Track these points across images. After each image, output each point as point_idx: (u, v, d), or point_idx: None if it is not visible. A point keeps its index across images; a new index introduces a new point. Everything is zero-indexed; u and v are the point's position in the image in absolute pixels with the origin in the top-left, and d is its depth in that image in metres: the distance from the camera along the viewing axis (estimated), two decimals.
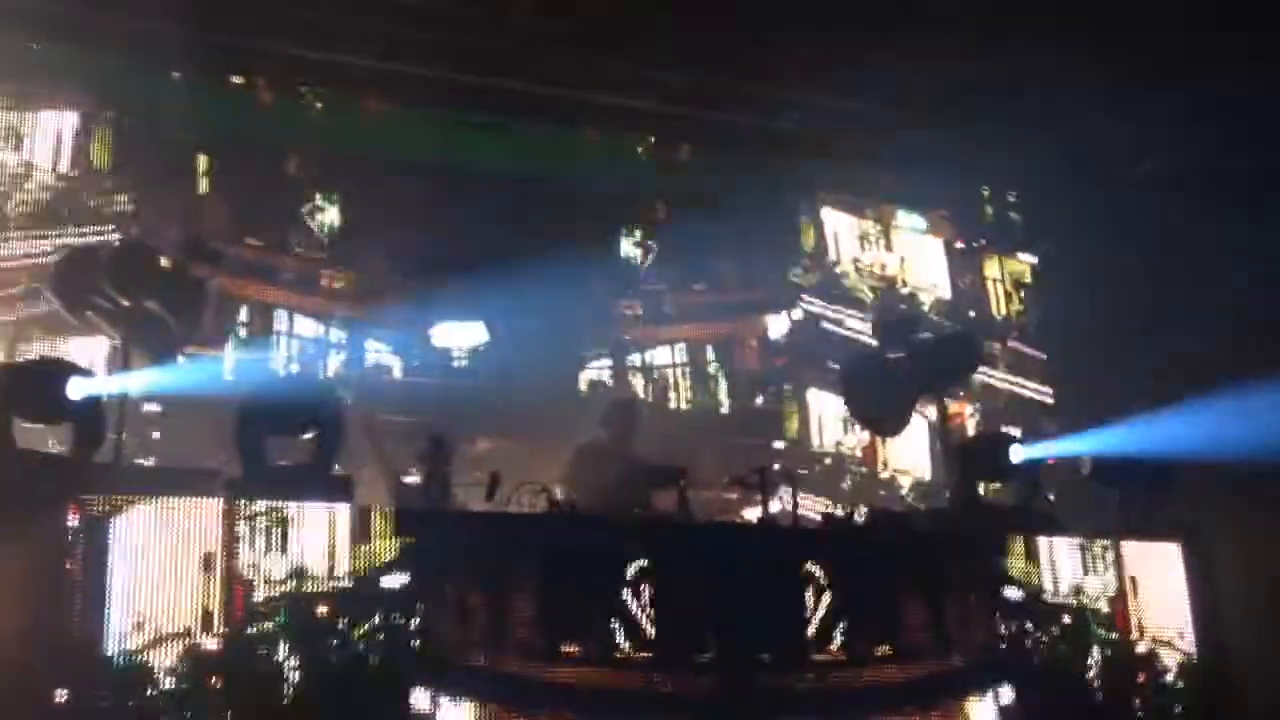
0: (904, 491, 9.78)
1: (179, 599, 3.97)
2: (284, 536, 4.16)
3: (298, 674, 4.04)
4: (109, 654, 3.84)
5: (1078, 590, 5.39)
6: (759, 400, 10.01)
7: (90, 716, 3.80)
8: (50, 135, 8.33)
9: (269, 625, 4.04)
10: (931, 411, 7.48)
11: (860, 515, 5.88)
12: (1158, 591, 5.52)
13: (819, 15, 8.18)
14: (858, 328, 9.89)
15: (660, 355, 10.11)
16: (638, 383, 9.93)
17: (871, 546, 5.40)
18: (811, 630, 4.78)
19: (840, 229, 10.54)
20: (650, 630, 4.53)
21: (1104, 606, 5.41)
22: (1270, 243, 7.43)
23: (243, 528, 4.12)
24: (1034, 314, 10.62)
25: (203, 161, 8.83)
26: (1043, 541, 5.41)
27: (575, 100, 9.19)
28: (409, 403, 8.55)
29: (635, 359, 10.02)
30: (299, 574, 4.14)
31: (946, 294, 10.65)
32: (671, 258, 10.04)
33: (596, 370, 9.82)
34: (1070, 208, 9.57)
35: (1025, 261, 10.82)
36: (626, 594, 4.54)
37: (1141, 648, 5.42)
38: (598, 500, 5.63)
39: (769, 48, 8.68)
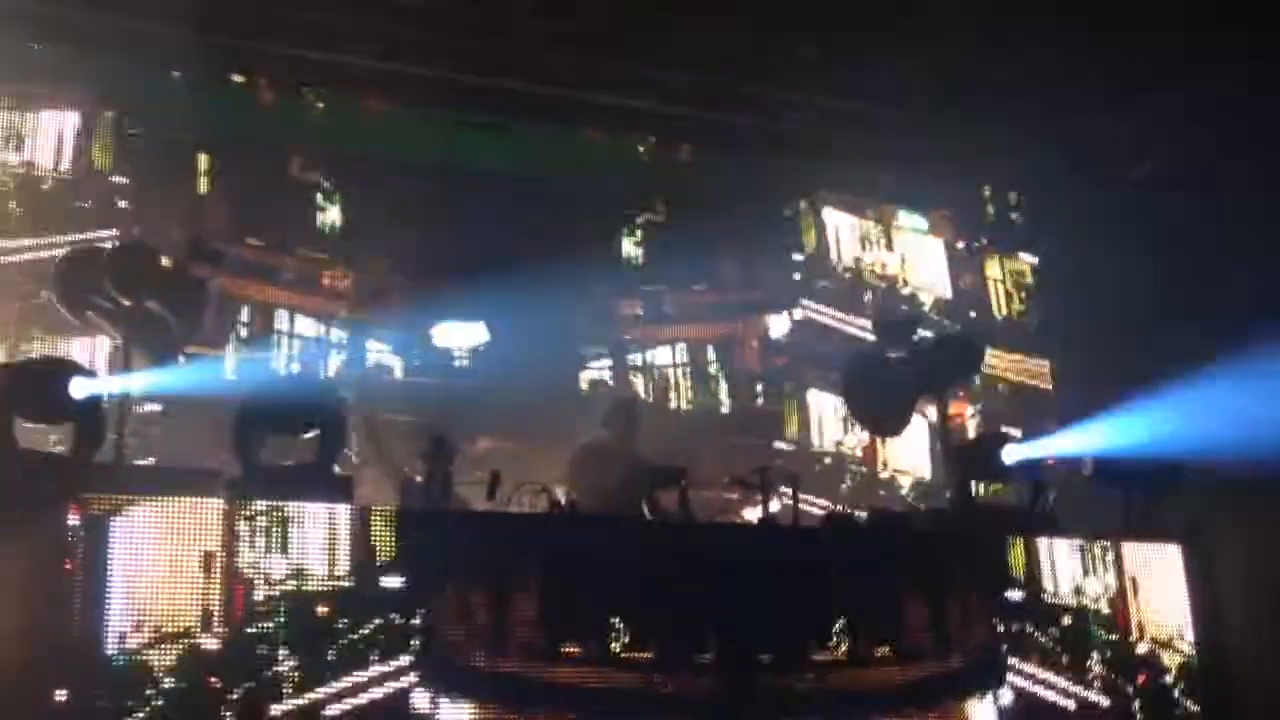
0: (904, 491, 9.79)
1: (179, 599, 3.97)
2: (284, 536, 4.16)
3: (297, 674, 4.04)
4: (109, 654, 3.84)
5: (1078, 591, 5.39)
6: (759, 400, 10.01)
7: (90, 716, 3.80)
8: (51, 135, 8.33)
9: (269, 625, 4.04)
10: (932, 411, 7.48)
11: (860, 515, 5.88)
12: (1158, 592, 5.52)
13: (819, 15, 8.18)
14: (858, 328, 9.89)
15: (660, 355, 10.11)
16: (638, 382, 9.93)
17: (872, 547, 5.41)
18: (812, 631, 4.78)
19: (841, 229, 10.54)
20: (650, 630, 4.53)
21: (1104, 607, 5.41)
22: (1271, 243, 7.43)
23: (243, 527, 4.12)
24: (1035, 314, 10.62)
25: (204, 161, 8.84)
26: (1043, 542, 5.41)
27: (575, 100, 9.20)
28: (410, 403, 8.56)
29: (635, 359, 10.02)
30: (299, 574, 4.14)
31: (947, 294, 10.65)
32: (672, 258, 10.04)
33: (597, 370, 9.82)
34: (1070, 208, 9.58)
35: (1026, 262, 10.83)
36: (627, 594, 4.54)
37: (1142, 649, 5.42)
38: (599, 500, 5.63)
39: (769, 48, 8.68)
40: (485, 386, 8.90)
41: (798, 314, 10.01)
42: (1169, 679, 5.40)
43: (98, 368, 6.20)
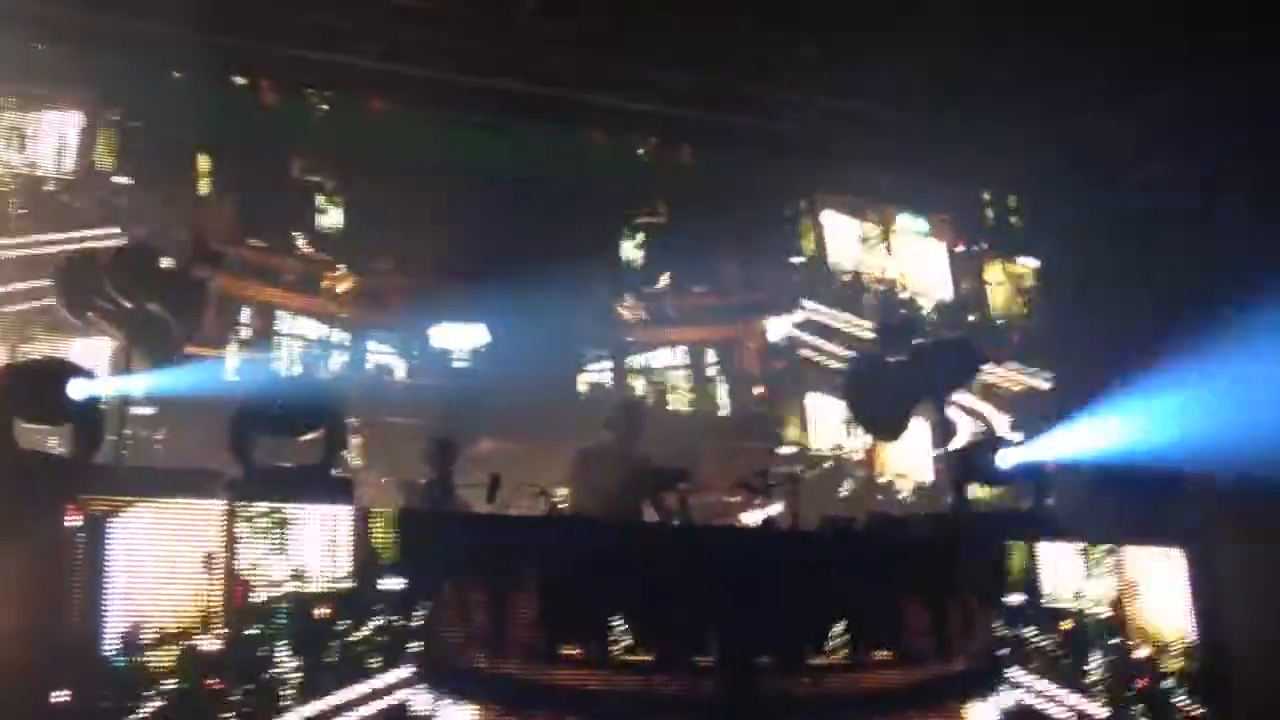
0: (904, 495, 9.78)
1: (179, 600, 3.96)
2: (284, 538, 4.16)
3: (297, 675, 4.04)
4: (109, 655, 3.84)
5: (1078, 595, 5.38)
6: (759, 403, 10.01)
7: (90, 717, 3.80)
8: (54, 136, 8.34)
9: (269, 626, 4.04)
10: (932, 415, 7.47)
11: (860, 519, 5.87)
12: (1158, 596, 5.51)
13: (819, 15, 8.18)
14: (859, 331, 9.89)
15: (661, 357, 10.11)
16: (638, 385, 9.93)
17: (872, 550, 5.40)
18: (812, 634, 4.77)
19: (841, 232, 10.54)
20: (651, 633, 4.52)
21: (1104, 611, 5.40)
22: (1271, 243, 7.42)
23: (243, 529, 4.11)
24: (1035, 316, 10.62)
25: (205, 162, 8.85)
26: (1044, 546, 5.40)
27: (576, 101, 9.20)
28: (411, 404, 8.57)
29: (636, 361, 10.02)
30: (299, 575, 4.14)
31: (948, 297, 10.65)
32: (672, 259, 10.04)
33: (597, 372, 9.83)
34: (1070, 208, 9.57)
35: (1026, 265, 10.82)
36: (627, 596, 4.54)
37: (1142, 652, 5.41)
38: (600, 502, 5.63)
39: (769, 48, 8.68)
40: (485, 388, 8.90)
41: (798, 316, 10.01)
42: (1169, 682, 5.39)
43: (98, 369, 6.20)
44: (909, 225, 10.77)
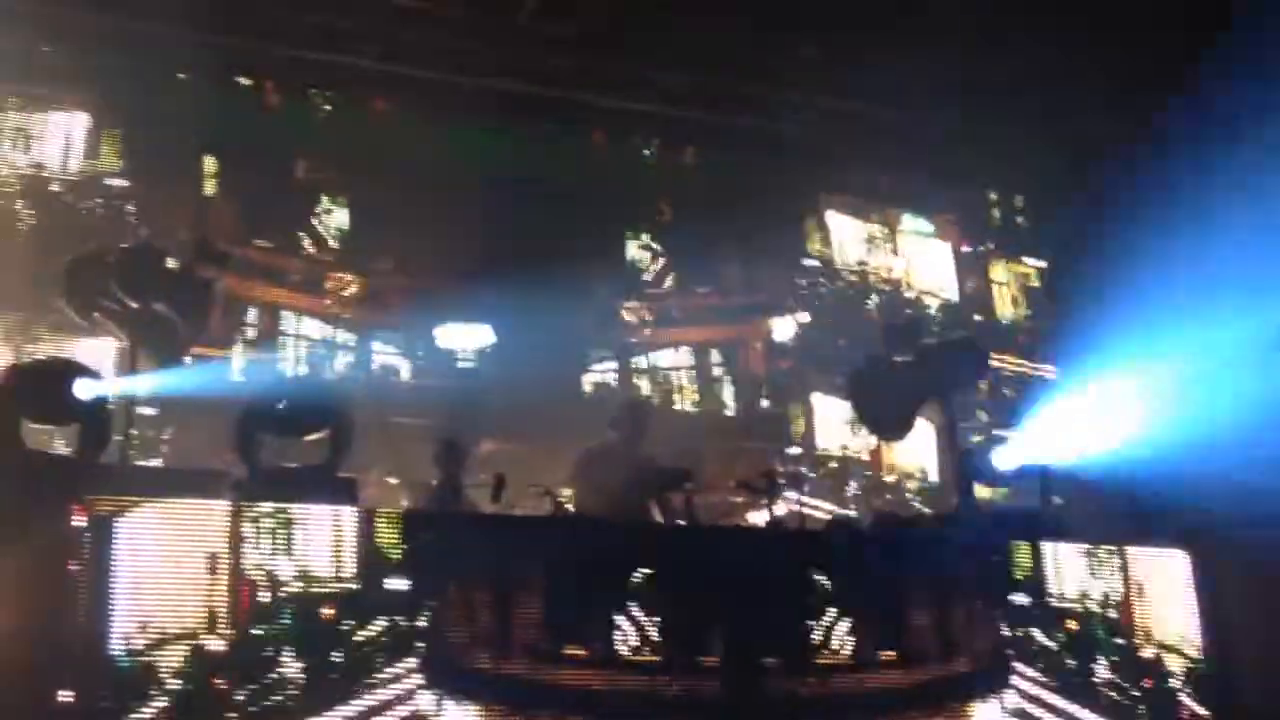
0: (910, 495, 9.77)
1: (184, 600, 3.97)
2: (290, 538, 4.16)
3: (302, 676, 4.04)
4: (114, 655, 3.84)
5: (1084, 595, 5.37)
6: (764, 403, 10.01)
7: (95, 717, 3.81)
8: (59, 137, 8.36)
9: (274, 627, 4.04)
10: (937, 415, 7.47)
11: (865, 519, 5.87)
12: (1164, 597, 5.51)
13: (819, 15, 8.19)
14: (862, 330, 9.87)
15: (665, 358, 10.11)
16: (643, 385, 9.93)
17: (877, 550, 5.40)
18: (817, 634, 4.77)
19: (846, 232, 10.53)
20: (656, 633, 4.53)
21: (1109, 612, 5.40)
22: (1271, 244, 7.40)
23: (249, 529, 4.12)
24: (1040, 317, 10.61)
25: (210, 163, 8.86)
26: (1048, 547, 5.40)
27: (577, 102, 9.21)
28: (416, 405, 8.57)
29: (640, 361, 10.02)
30: (305, 576, 4.14)
31: (954, 297, 10.64)
32: (676, 260, 10.04)
33: (601, 373, 9.82)
34: (1070, 208, 9.56)
35: (1032, 265, 10.81)
36: (632, 596, 4.54)
37: (1147, 653, 5.40)
38: (605, 502, 5.63)
39: (769, 48, 8.68)
40: (490, 389, 8.90)
41: (803, 316, 10.01)
42: (1175, 683, 5.38)
43: (104, 369, 6.21)
44: (913, 225, 10.77)
